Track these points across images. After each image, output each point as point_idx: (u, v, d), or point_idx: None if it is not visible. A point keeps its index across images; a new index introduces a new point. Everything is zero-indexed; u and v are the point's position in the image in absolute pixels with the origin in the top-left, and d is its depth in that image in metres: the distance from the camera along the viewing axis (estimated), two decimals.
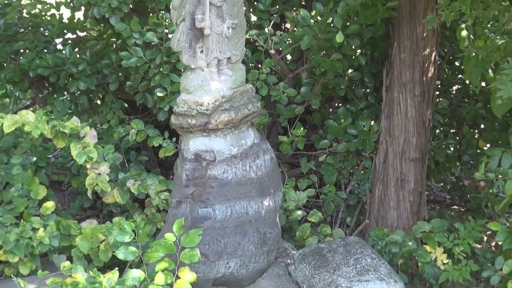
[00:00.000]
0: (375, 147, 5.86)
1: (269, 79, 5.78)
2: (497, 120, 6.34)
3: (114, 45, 6.31)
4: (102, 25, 6.19)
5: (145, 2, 5.56)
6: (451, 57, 6.58)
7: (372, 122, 5.96)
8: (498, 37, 4.55)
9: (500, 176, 4.75)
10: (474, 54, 4.94)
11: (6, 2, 6.45)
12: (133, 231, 4.23)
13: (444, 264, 5.08)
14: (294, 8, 5.87)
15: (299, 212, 5.62)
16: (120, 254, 4.21)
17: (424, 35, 5.49)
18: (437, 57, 5.70)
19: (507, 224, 4.72)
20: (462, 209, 6.68)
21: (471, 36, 5.65)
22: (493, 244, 5.67)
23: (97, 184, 5.11)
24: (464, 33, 5.64)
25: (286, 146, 5.92)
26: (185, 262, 4.10)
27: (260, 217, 4.61)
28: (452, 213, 6.55)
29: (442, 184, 7.14)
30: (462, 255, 5.13)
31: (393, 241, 5.21)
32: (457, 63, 6.60)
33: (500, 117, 5.78)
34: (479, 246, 5.49)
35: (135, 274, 4.02)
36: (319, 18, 5.51)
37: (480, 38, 5.01)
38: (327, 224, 5.76)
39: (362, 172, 6.00)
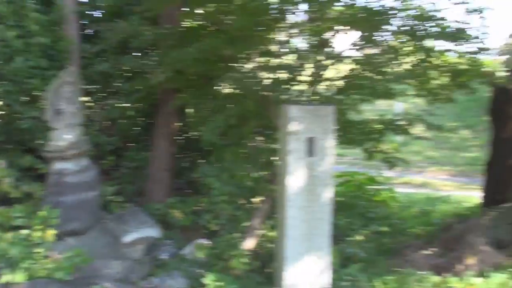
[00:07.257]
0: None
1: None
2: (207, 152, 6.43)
3: None
4: None
5: None
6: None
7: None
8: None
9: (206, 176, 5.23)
10: None
11: None
12: None
13: (181, 217, 5.27)
14: None
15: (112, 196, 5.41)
16: None
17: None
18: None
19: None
20: (191, 192, 6.61)
21: None
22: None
23: None
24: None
25: (105, 165, 5.82)
26: None
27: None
28: (189, 195, 6.48)
29: (182, 180, 7.01)
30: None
31: (157, 208, 5.32)
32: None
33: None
34: None
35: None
36: None
37: None
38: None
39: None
